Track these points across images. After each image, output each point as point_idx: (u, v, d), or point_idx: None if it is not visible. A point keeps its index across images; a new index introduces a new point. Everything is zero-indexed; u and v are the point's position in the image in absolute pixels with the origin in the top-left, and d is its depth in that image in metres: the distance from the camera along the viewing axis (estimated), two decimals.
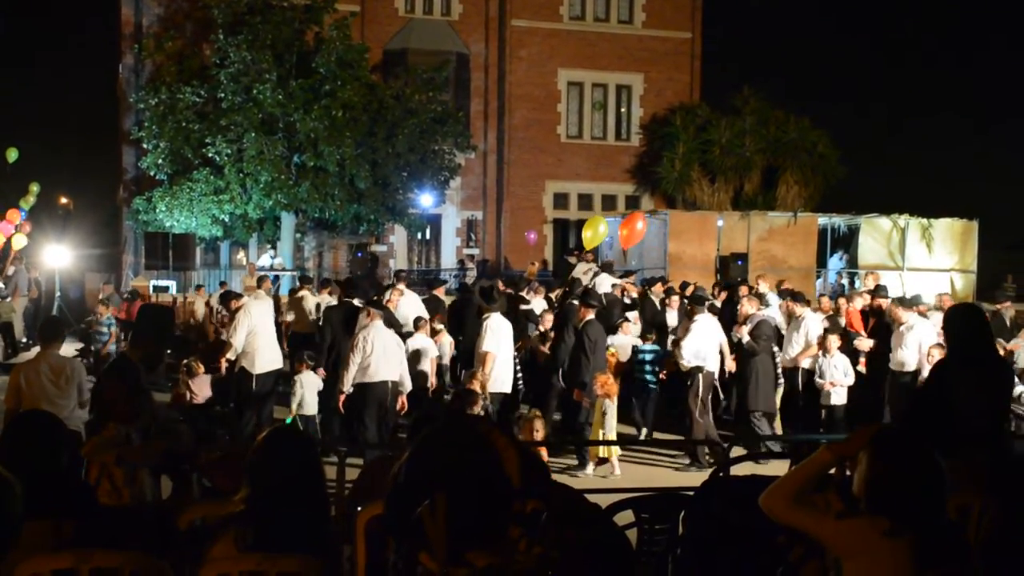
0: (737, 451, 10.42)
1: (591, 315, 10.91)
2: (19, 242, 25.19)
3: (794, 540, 3.24)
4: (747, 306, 11.94)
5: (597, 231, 19.74)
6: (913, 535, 2.87)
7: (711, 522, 4.15)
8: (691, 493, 4.70)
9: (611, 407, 10.22)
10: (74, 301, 24.75)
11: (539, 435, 8.65)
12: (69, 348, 11.12)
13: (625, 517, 4.63)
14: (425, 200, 26.31)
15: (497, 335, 10.31)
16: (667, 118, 30.90)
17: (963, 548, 2.96)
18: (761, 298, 12.77)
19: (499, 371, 10.33)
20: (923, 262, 22.26)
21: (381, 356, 9.93)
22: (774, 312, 13.06)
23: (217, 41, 24.00)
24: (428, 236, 30.55)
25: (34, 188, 27.99)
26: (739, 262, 20.90)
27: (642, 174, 31.36)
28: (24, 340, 20.55)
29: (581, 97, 31.60)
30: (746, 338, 11.35)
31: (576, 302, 11.71)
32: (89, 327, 16.57)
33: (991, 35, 52.91)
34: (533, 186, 31.02)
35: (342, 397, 10.07)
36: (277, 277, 21.38)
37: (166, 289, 21.87)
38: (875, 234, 22.59)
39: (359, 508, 4.12)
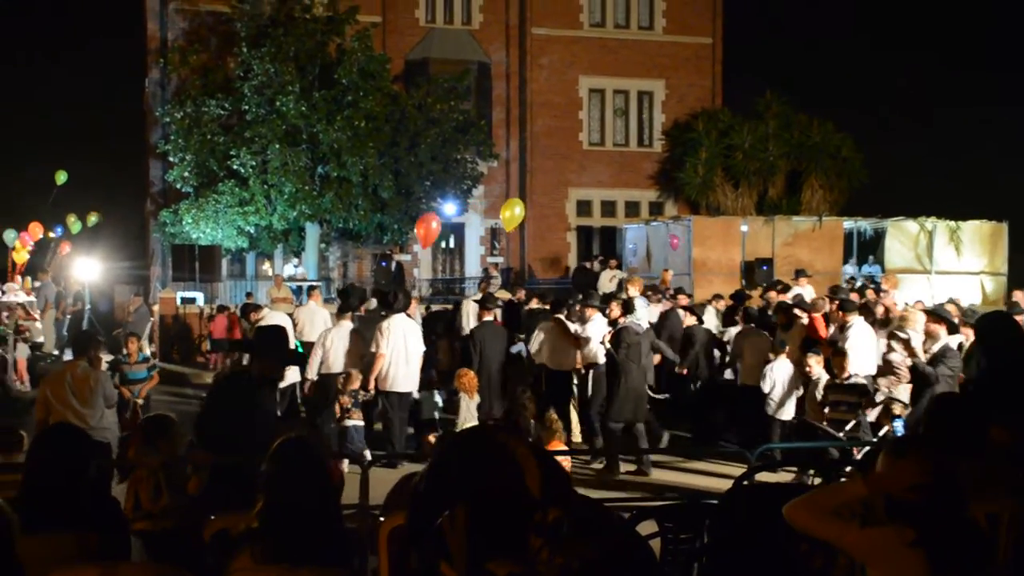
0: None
1: (487, 317, 12.14)
2: (20, 257, 25.74)
3: (817, 548, 3.22)
4: (614, 311, 11.62)
5: (514, 212, 21.29)
6: (937, 545, 2.85)
7: (735, 531, 4.12)
8: (715, 502, 4.68)
9: (466, 400, 10.47)
10: (104, 314, 24.98)
11: (559, 443, 8.65)
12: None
13: (649, 527, 4.61)
14: (448, 209, 26.35)
15: (387, 337, 11.08)
16: (689, 124, 30.79)
17: (986, 558, 2.93)
18: (627, 305, 12.29)
19: (396, 371, 11.12)
20: (952, 265, 22.05)
21: (339, 352, 11.45)
22: (641, 317, 12.78)
23: (241, 54, 24.19)
24: (452, 245, 30.60)
25: (92, 217, 28.69)
26: (764, 267, 20.80)
27: (665, 180, 31.27)
28: (55, 353, 20.77)
29: (603, 104, 31.56)
30: (606, 346, 11.15)
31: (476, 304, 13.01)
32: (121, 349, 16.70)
33: (1017, 30, 52.39)
34: (556, 193, 31.00)
35: (307, 384, 11.68)
36: (301, 288, 21.50)
37: (193, 300, 22.02)
38: (902, 237, 22.42)
39: (381, 518, 4.12)
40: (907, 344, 10.04)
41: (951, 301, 13.99)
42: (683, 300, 14.99)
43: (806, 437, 9.33)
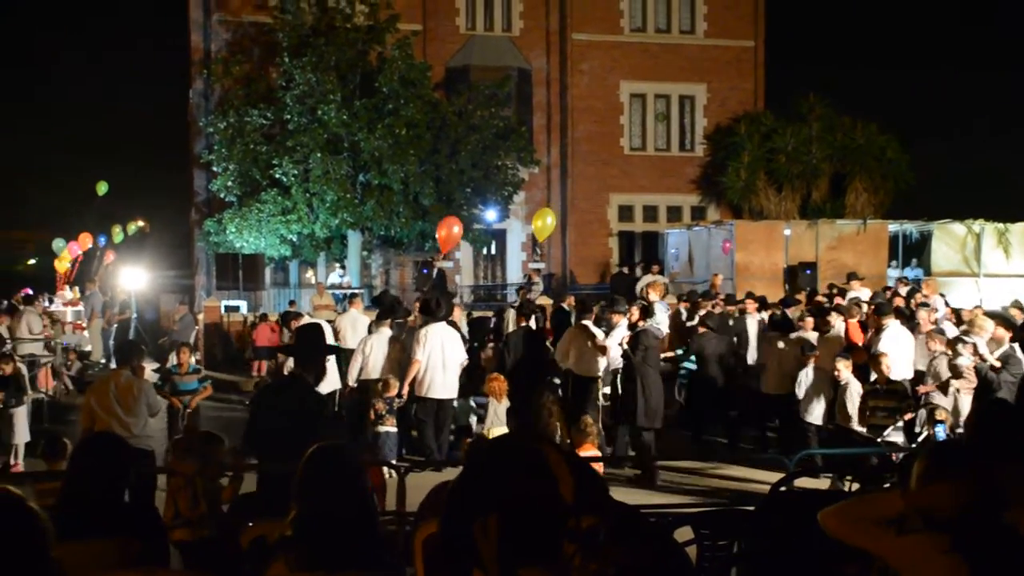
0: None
1: (524, 323, 12.44)
2: (62, 266, 26.27)
3: (851, 556, 3.18)
4: (634, 315, 11.71)
5: (545, 222, 22.06)
6: (976, 551, 2.80)
7: (772, 537, 4.08)
8: (751, 509, 4.64)
9: (494, 404, 10.53)
10: (150, 323, 25.33)
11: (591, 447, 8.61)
12: (147, 368, 11.52)
13: (685, 533, 4.58)
14: (489, 215, 26.41)
15: (424, 344, 11.22)
16: (731, 127, 30.55)
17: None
18: (646, 309, 12.17)
19: (433, 377, 11.20)
20: (1000, 268, 21.68)
21: (378, 358, 11.75)
22: (661, 321, 12.73)
23: (283, 64, 24.45)
24: (493, 251, 30.64)
25: (138, 223, 29.27)
26: (808, 271, 20.60)
27: (707, 184, 31.06)
28: (102, 362, 21.10)
29: (644, 108, 31.44)
30: (624, 347, 11.14)
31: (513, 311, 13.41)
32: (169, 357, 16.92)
33: None
34: (597, 199, 30.93)
35: (347, 390, 11.92)
36: (345, 295, 21.65)
37: (237, 309, 22.25)
38: (948, 240, 22.09)
39: (418, 526, 4.13)
40: (975, 349, 9.90)
41: (1016, 304, 13.63)
42: (751, 305, 14.79)
43: (842, 443, 9.20)
